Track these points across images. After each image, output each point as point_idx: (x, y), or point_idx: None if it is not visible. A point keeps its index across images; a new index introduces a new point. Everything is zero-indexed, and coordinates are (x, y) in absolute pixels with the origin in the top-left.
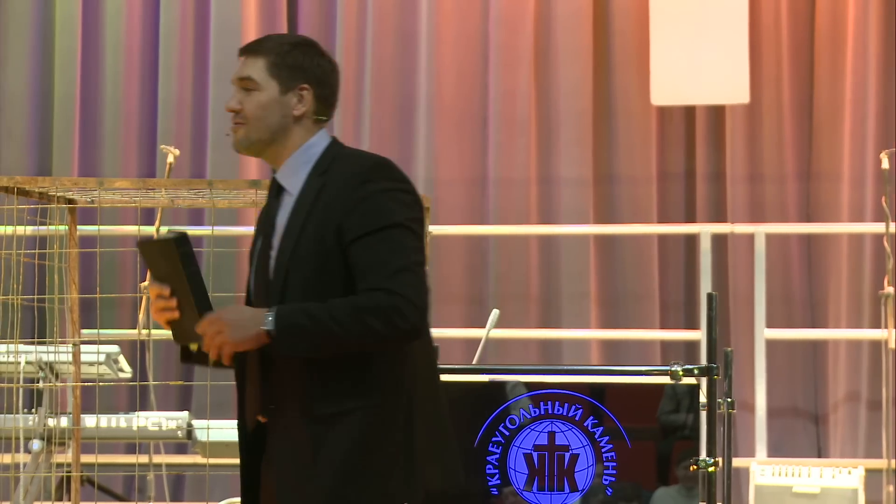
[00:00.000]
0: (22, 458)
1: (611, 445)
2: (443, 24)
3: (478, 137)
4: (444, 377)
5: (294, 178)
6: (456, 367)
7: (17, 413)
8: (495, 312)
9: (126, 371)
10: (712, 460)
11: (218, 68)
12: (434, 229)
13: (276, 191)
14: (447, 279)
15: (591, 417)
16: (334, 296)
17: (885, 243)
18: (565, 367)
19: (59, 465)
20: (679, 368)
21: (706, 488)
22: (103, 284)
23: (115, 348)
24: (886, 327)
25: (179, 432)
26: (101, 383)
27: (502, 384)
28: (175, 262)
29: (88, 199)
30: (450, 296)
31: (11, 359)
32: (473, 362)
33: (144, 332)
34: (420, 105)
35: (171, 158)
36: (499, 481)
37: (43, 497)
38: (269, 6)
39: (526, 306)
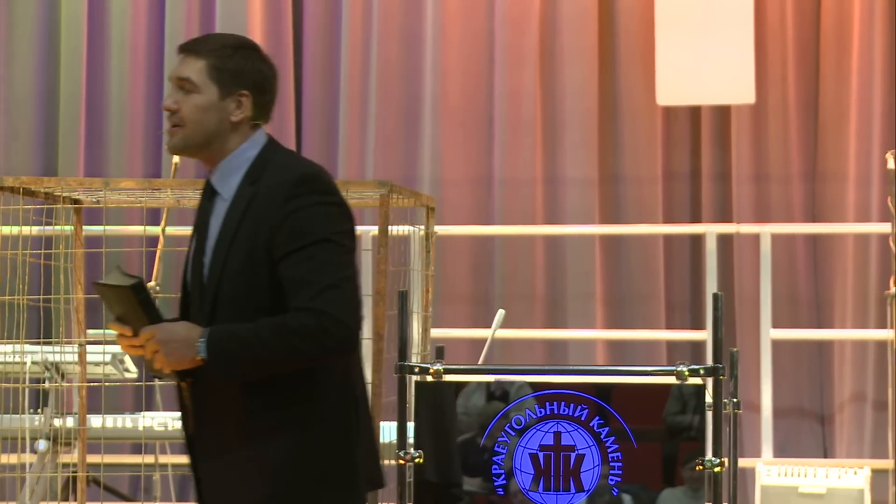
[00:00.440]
0: (28, 458)
1: (616, 446)
2: (448, 24)
3: (483, 138)
4: (450, 377)
5: (226, 182)
6: (461, 367)
7: (23, 413)
8: (501, 312)
9: (132, 371)
10: (718, 461)
11: None
12: (439, 229)
13: (210, 192)
14: (452, 279)
15: (597, 418)
16: (264, 307)
17: (891, 243)
18: (571, 368)
19: (65, 466)
20: (685, 369)
21: (712, 489)
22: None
23: (120, 348)
24: (892, 328)
25: None
26: (106, 383)
27: (508, 384)
28: (134, 306)
29: (94, 200)
30: (455, 296)
31: (17, 359)
32: (479, 362)
33: None
34: (425, 105)
35: (176, 159)
36: (504, 481)
37: (49, 497)
38: (274, 6)
39: (531, 306)
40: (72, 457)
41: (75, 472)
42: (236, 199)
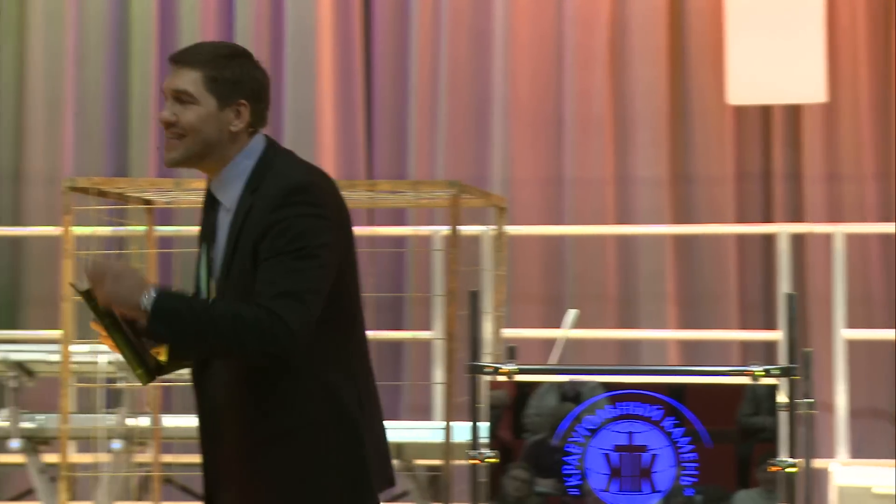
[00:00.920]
0: (103, 457)
1: (691, 447)
2: (518, 24)
3: (553, 137)
4: (522, 377)
5: (228, 191)
6: (534, 367)
7: (98, 413)
8: (574, 312)
9: None
10: (792, 462)
11: (294, 69)
12: (510, 229)
13: (211, 202)
14: (524, 279)
15: (671, 418)
16: None
17: None
18: (644, 368)
19: (140, 465)
20: (758, 369)
21: (786, 490)
22: (180, 284)
23: None
24: None
25: None
26: (180, 383)
27: (580, 385)
28: (95, 307)
29: (166, 200)
30: (526, 296)
31: (91, 358)
32: (552, 362)
33: None
34: (495, 105)
35: None
36: (578, 481)
37: (124, 497)
38: (343, 6)
39: (603, 306)
40: (146, 456)
41: (150, 471)
42: (238, 209)
